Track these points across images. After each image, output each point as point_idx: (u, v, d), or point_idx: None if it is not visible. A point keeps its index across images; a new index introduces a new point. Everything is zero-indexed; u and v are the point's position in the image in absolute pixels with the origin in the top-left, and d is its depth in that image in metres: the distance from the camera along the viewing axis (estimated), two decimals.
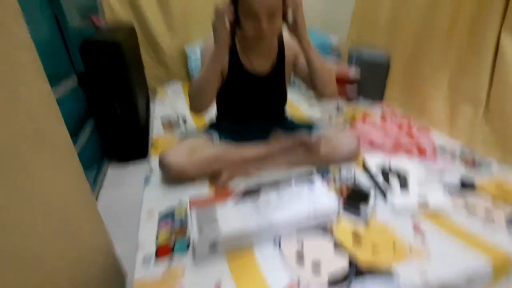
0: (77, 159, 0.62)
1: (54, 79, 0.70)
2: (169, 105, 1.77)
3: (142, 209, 0.88)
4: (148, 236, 0.77)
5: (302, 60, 1.00)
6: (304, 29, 0.90)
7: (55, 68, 1.06)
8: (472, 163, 1.12)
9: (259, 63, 1.04)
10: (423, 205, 0.85)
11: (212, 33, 0.86)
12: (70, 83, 1.15)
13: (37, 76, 0.49)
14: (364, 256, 0.70)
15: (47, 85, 0.51)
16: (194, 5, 2.02)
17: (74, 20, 1.19)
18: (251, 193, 0.82)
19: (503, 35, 1.12)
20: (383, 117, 1.42)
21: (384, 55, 1.71)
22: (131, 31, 1.77)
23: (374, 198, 0.89)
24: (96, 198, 1.22)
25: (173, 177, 0.96)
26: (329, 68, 0.99)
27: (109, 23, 1.90)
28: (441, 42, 1.36)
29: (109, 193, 1.27)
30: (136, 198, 1.09)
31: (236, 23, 0.89)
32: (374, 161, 1.05)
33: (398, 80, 1.66)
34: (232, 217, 0.73)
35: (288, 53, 1.06)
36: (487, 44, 1.17)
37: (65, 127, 0.57)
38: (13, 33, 0.44)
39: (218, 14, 0.82)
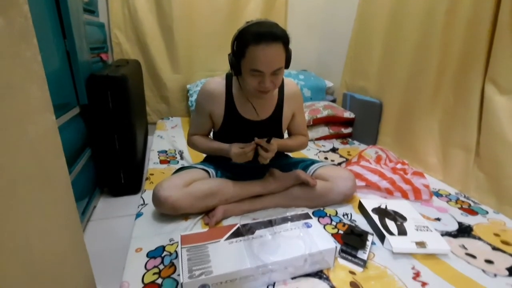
0: (72, 195, 0.60)
1: (57, 109, 0.71)
2: (167, 139, 1.78)
3: (130, 246, 0.84)
4: (134, 277, 0.73)
5: (296, 118, 1.13)
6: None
7: (60, 99, 1.09)
8: (468, 208, 1.12)
9: (256, 113, 1.04)
10: (422, 249, 0.83)
11: (211, 78, 1.06)
12: (71, 113, 1.17)
13: (45, 109, 0.51)
14: None
15: (53, 118, 0.52)
16: (198, 47, 2.15)
17: (83, 55, 1.25)
18: (245, 231, 0.80)
19: (486, 85, 1.19)
20: (378, 160, 1.44)
21: (376, 100, 1.79)
22: (137, 67, 1.85)
23: (371, 241, 0.87)
24: (83, 231, 1.16)
25: (167, 211, 0.94)
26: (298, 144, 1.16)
27: (116, 59, 2.00)
28: (430, 91, 1.43)
29: (97, 227, 1.22)
30: (124, 234, 1.05)
31: (237, 74, 0.93)
32: (371, 203, 1.04)
33: (390, 126, 1.72)
34: (224, 258, 0.70)
35: (286, 108, 1.08)
36: (472, 94, 1.23)
37: (65, 163, 0.57)
38: (28, 67, 0.47)
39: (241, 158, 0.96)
